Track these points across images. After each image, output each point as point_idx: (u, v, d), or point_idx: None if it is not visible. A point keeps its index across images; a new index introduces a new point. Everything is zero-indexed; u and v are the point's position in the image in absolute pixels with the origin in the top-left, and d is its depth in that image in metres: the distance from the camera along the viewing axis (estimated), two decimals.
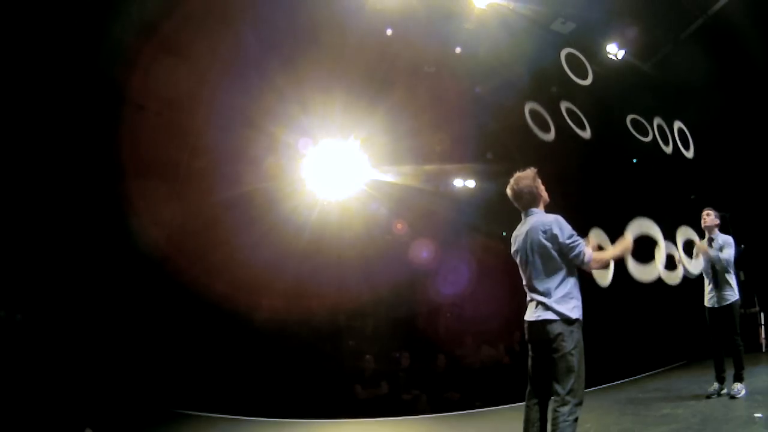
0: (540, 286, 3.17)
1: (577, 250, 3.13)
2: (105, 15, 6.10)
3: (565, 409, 2.94)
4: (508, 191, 3.36)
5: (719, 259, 5.16)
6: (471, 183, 10.23)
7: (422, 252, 9.44)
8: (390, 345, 8.87)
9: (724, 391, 5.17)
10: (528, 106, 5.57)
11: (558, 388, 3.00)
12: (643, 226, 3.72)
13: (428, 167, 9.30)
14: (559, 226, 3.16)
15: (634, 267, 3.66)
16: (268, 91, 7.24)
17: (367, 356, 8.25)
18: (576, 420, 2.96)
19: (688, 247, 5.13)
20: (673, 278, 4.37)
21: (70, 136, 6.52)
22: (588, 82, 6.71)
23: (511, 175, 3.39)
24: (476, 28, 7.66)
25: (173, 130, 7.15)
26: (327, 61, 7.34)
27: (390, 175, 8.91)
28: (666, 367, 8.21)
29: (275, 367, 7.40)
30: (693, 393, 5.58)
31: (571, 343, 3.04)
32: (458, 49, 8.14)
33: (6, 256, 6.17)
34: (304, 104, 7.59)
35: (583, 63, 6.77)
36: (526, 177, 3.32)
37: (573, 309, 3.13)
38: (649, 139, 6.83)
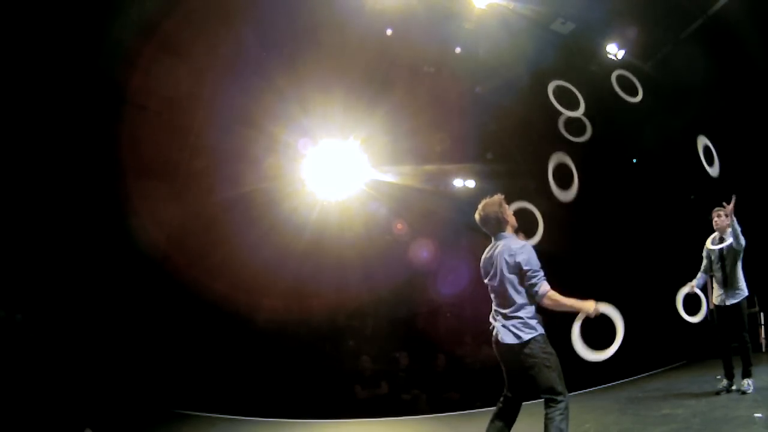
0: (504, 308, 3.28)
1: (535, 281, 3.19)
2: (105, 15, 6.10)
3: (559, 405, 3.08)
4: (476, 217, 3.45)
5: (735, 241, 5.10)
6: (471, 183, 10.22)
7: (422, 252, 9.42)
8: (390, 345, 8.87)
9: (734, 387, 5.18)
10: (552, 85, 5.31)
11: (545, 395, 3.13)
12: (612, 313, 3.57)
13: (428, 167, 9.28)
14: (525, 254, 3.23)
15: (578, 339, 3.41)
16: (268, 91, 7.25)
17: (364, 357, 8.25)
18: (568, 413, 3.09)
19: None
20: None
21: (71, 136, 6.53)
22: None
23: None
24: (476, 28, 7.66)
25: (173, 130, 7.16)
26: (327, 61, 7.34)
27: (390, 175, 8.89)
28: (666, 367, 8.20)
29: (275, 367, 7.40)
30: (693, 393, 5.58)
31: (541, 354, 3.14)
32: (458, 49, 8.14)
33: (6, 256, 6.17)
34: (304, 104, 7.59)
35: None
36: (492, 203, 3.41)
37: (535, 326, 3.20)
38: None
